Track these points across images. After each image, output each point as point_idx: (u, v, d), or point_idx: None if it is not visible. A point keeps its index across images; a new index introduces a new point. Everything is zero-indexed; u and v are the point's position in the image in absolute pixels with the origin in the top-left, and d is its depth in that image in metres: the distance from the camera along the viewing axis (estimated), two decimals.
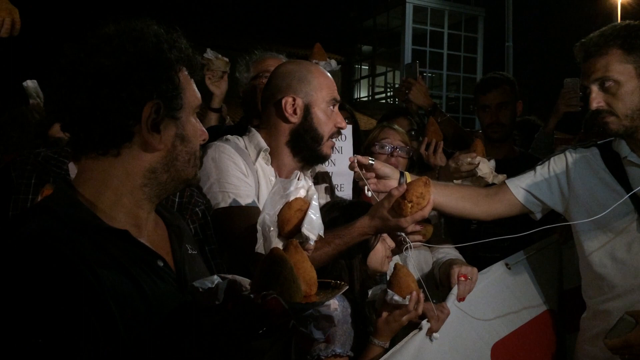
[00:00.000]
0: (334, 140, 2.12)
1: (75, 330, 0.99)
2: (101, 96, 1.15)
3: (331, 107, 2.07)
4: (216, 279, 1.09)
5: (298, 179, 1.76)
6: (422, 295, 1.97)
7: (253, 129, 2.15)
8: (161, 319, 1.13)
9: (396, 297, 1.90)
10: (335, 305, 1.22)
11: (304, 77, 2.04)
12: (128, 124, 1.16)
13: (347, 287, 1.27)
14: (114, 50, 1.16)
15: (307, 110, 2.03)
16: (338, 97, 2.11)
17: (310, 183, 1.77)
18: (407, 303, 1.91)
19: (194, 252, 1.41)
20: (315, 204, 1.70)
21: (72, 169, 1.84)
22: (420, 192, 1.76)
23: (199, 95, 1.29)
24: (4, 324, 0.95)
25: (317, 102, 2.04)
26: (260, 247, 1.72)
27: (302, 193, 1.74)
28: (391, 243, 2.15)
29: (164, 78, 1.19)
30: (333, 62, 2.92)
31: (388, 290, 1.92)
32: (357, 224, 1.87)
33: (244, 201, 1.96)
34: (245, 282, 1.13)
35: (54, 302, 0.98)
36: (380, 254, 2.12)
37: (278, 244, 1.67)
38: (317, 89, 2.04)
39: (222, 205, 1.95)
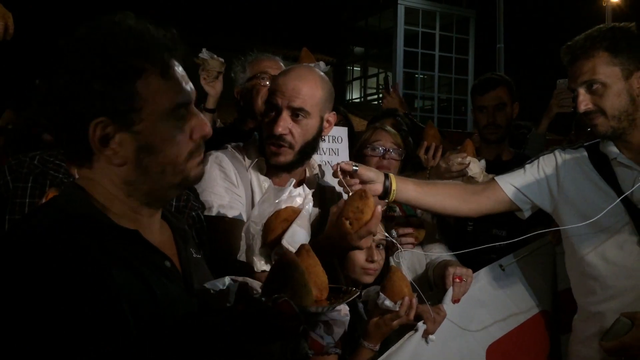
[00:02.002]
0: (272, 144, 1.99)
1: (88, 328, 0.99)
2: (52, 114, 1.15)
3: (270, 110, 2.00)
4: (227, 280, 1.09)
5: (293, 187, 1.73)
6: (415, 300, 1.94)
7: (255, 135, 2.15)
8: (171, 319, 1.13)
9: (387, 302, 1.88)
10: (346, 310, 1.22)
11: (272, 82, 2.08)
12: (79, 141, 1.13)
13: (358, 292, 1.27)
14: (59, 68, 1.13)
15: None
16: (277, 95, 1.98)
17: (308, 191, 1.72)
18: (397, 309, 1.89)
19: (198, 256, 1.40)
20: (305, 214, 1.65)
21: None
22: (356, 207, 1.62)
23: (179, 94, 1.18)
24: (16, 321, 0.95)
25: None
26: (242, 256, 1.69)
27: (297, 201, 1.68)
28: (376, 255, 2.12)
29: (108, 94, 1.11)
30: (322, 64, 2.92)
31: (380, 293, 1.91)
32: (313, 240, 1.76)
33: (226, 212, 1.94)
34: (257, 284, 1.13)
35: (67, 300, 0.98)
36: (354, 264, 2.09)
37: (261, 253, 1.66)
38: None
39: (205, 214, 1.95)
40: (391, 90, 4.03)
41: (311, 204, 1.69)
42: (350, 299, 1.24)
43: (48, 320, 0.96)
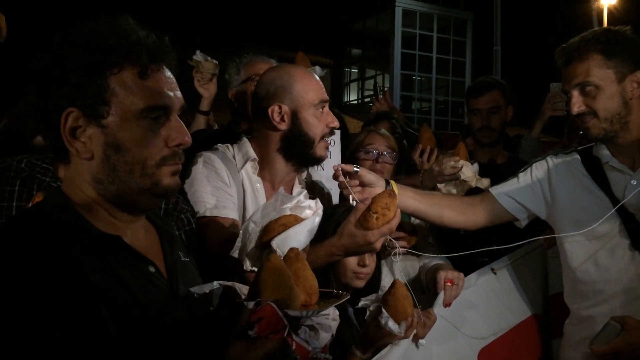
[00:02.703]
0: (327, 140, 2.09)
1: (65, 333, 0.98)
2: (32, 104, 1.17)
3: (320, 109, 2.03)
4: (215, 285, 1.09)
5: (304, 197, 1.68)
6: (415, 319, 1.91)
7: (244, 138, 2.14)
8: (154, 324, 1.13)
9: (391, 324, 1.83)
10: (335, 315, 1.20)
11: (287, 83, 2.01)
12: (54, 131, 1.15)
13: (348, 297, 1.26)
14: (41, 56, 1.16)
15: (295, 115, 2.00)
16: (326, 98, 2.07)
17: (320, 206, 1.67)
18: (401, 334, 1.86)
19: (186, 259, 1.40)
20: (307, 224, 1.61)
21: None
22: (385, 203, 1.68)
23: (156, 96, 1.18)
24: None
25: (304, 107, 2.00)
26: (235, 252, 1.69)
27: (307, 213, 1.65)
28: (367, 259, 2.12)
29: (80, 85, 1.13)
30: (317, 69, 2.92)
31: (383, 311, 1.85)
32: (325, 243, 1.81)
33: (219, 211, 1.94)
34: (245, 289, 1.12)
35: (45, 306, 0.98)
36: (345, 268, 2.09)
37: (252, 253, 1.65)
38: (302, 94, 2.01)
39: (199, 214, 1.94)
40: (381, 96, 4.08)
41: (319, 219, 1.65)
42: (338, 303, 1.23)
43: (25, 326, 0.96)
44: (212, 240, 1.91)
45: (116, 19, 1.19)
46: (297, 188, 2.16)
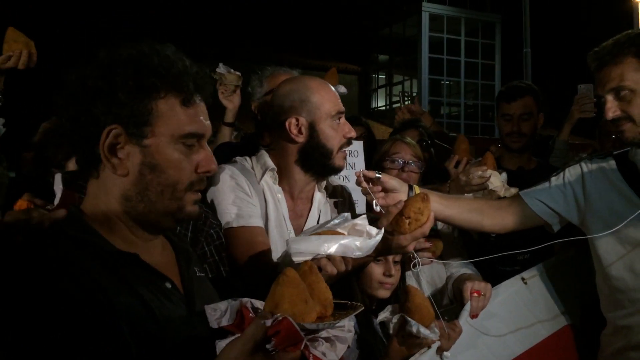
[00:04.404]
0: (345, 151, 2.08)
1: (89, 353, 1.01)
2: (68, 117, 1.21)
3: (337, 120, 2.04)
4: (229, 301, 1.10)
5: (361, 221, 1.64)
6: (444, 324, 1.90)
7: (262, 150, 2.15)
8: (171, 340, 1.15)
9: (423, 330, 1.83)
10: (350, 326, 1.20)
11: (304, 96, 2.01)
12: (91, 146, 1.19)
13: (363, 308, 1.25)
14: (85, 75, 1.20)
15: (313, 128, 2.00)
16: (342, 109, 2.07)
17: (381, 233, 1.60)
18: (437, 337, 1.85)
19: (202, 274, 1.43)
20: (340, 238, 1.56)
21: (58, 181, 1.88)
22: (418, 208, 1.67)
23: (195, 124, 1.25)
24: (16, 345, 0.98)
25: (321, 119, 2.01)
26: (278, 259, 1.71)
27: (357, 242, 1.55)
28: (393, 269, 2.10)
29: (128, 104, 1.18)
30: (342, 88, 2.91)
31: (409, 320, 1.85)
32: None
33: (246, 221, 1.96)
34: (259, 304, 1.13)
35: (67, 323, 1.01)
36: (371, 278, 2.07)
37: (287, 260, 1.65)
38: (319, 106, 2.01)
39: (226, 226, 1.95)
40: (408, 103, 4.06)
41: (365, 241, 1.56)
42: (354, 314, 1.23)
43: (48, 344, 0.98)
44: (241, 250, 1.92)
45: (161, 45, 1.25)
46: (317, 194, 2.16)
